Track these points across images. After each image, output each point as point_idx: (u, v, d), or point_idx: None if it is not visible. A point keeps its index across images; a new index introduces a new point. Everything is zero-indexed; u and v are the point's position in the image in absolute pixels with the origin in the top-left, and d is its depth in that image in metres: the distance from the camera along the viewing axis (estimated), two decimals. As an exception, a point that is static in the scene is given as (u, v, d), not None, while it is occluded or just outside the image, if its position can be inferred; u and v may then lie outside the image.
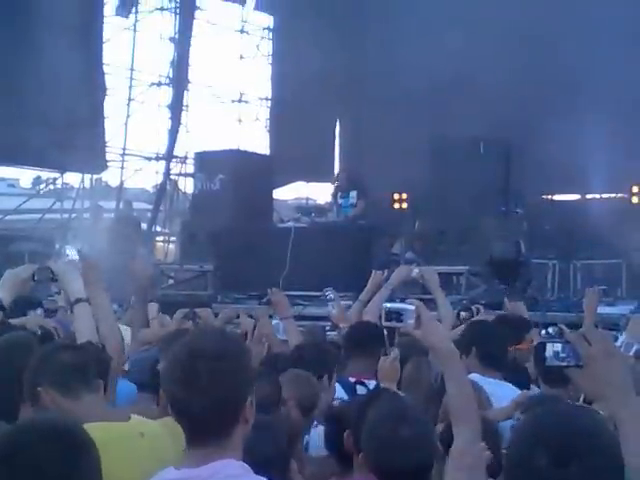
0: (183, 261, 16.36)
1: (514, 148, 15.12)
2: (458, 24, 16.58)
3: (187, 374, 2.63)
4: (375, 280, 6.86)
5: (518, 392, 4.93)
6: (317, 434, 4.47)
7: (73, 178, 21.17)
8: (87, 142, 18.00)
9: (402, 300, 9.10)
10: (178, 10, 21.15)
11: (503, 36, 16.81)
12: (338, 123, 22.34)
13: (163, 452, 3.55)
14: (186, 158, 21.13)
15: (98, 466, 2.57)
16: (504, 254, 12.74)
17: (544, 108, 16.91)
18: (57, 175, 20.81)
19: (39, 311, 6.71)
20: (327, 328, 8.07)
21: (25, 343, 4.05)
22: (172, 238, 21.43)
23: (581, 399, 4.02)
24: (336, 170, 19.88)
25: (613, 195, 17.97)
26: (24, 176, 30.77)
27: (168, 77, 21.14)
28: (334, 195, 15.04)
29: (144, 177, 24.02)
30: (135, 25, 20.68)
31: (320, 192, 23.12)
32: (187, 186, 21.13)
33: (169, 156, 21.11)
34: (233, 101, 22.64)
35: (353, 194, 14.64)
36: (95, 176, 21.34)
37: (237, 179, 16.01)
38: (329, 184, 15.83)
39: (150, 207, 21.98)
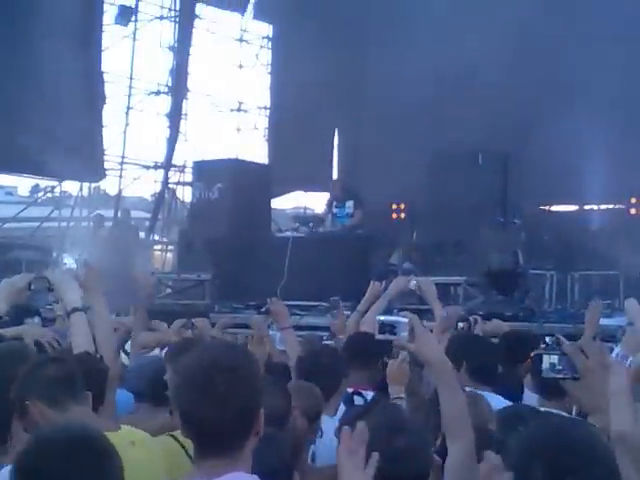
0: (181, 270, 16.33)
1: (512, 159, 15.11)
2: (457, 36, 16.60)
3: (203, 387, 2.63)
4: (373, 291, 6.85)
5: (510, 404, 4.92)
6: (323, 444, 4.47)
7: (71, 186, 21.23)
8: (86, 150, 18.03)
9: (400, 311, 9.11)
10: (177, 19, 21.20)
11: (501, 48, 16.82)
12: (336, 133, 22.35)
13: (154, 461, 3.55)
14: (184, 167, 21.16)
15: (122, 475, 2.58)
16: (502, 265, 12.73)
17: (542, 119, 16.92)
18: (55, 183, 20.83)
19: (36, 319, 6.70)
20: (324, 338, 8.07)
21: (20, 353, 4.04)
22: (170, 247, 21.43)
23: (574, 412, 4.02)
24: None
25: (611, 206, 17.98)
26: (22, 184, 30.82)
27: (167, 86, 21.17)
28: (329, 204, 15.02)
29: (142, 186, 24.11)
30: (134, 33, 20.73)
31: (318, 202, 23.14)
32: (185, 195, 21.17)
33: (167, 165, 21.13)
34: (232, 110, 22.69)
35: (349, 204, 14.62)
36: (93, 184, 21.36)
37: (235, 188, 16.00)
38: (327, 194, 15.81)
39: (148, 216, 21.99)
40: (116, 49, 20.43)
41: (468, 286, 13.09)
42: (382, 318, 3.51)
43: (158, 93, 21.20)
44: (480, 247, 13.29)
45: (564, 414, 4.19)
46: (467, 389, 4.85)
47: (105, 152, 20.02)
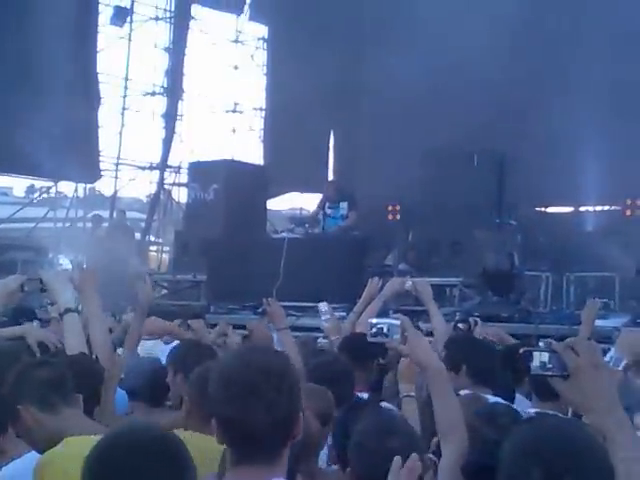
0: (176, 271, 16.30)
1: (508, 160, 15.11)
2: (452, 37, 16.59)
3: (252, 392, 2.59)
4: (371, 290, 6.85)
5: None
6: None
7: (67, 187, 21.20)
8: (81, 151, 18.02)
9: (395, 312, 9.11)
10: (173, 20, 21.20)
11: (497, 48, 16.83)
12: (332, 134, 22.35)
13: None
14: (180, 168, 21.15)
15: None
16: (497, 266, 12.73)
17: (538, 120, 16.93)
18: (51, 184, 20.82)
19: (35, 323, 6.69)
20: (319, 339, 8.06)
21: (11, 355, 4.04)
22: (165, 248, 21.42)
23: (569, 413, 4.01)
24: (330, 181, 19.89)
25: (606, 207, 17.99)
26: (18, 185, 30.83)
27: (162, 87, 21.18)
28: (321, 205, 15.01)
29: (138, 186, 24.08)
30: (130, 35, 20.71)
31: (314, 203, 23.13)
32: (181, 196, 21.14)
33: (163, 166, 21.12)
34: (227, 111, 22.69)
35: (343, 205, 14.61)
36: (89, 185, 21.35)
37: (231, 189, 15.99)
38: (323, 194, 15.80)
39: (144, 217, 21.98)
40: (111, 50, 20.45)
41: (464, 287, 13.10)
42: (374, 321, 3.49)
43: (154, 94, 21.21)
44: (476, 248, 13.28)
45: (560, 415, 4.20)
46: (466, 391, 4.86)
47: (101, 153, 20.02)
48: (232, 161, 18.16)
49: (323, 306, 7.28)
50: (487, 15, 16.14)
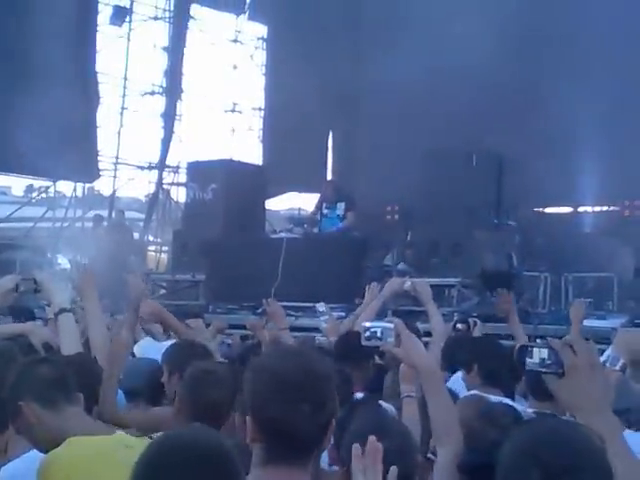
0: (175, 271, 16.31)
1: (506, 161, 15.12)
2: (451, 38, 16.58)
3: (300, 394, 2.60)
4: (372, 295, 6.86)
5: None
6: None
7: (65, 187, 21.19)
8: (80, 151, 18.00)
9: (394, 312, 9.11)
10: (172, 19, 21.19)
11: (496, 50, 16.81)
12: (331, 134, 22.35)
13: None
14: (179, 168, 21.15)
15: None
16: (496, 266, 12.74)
17: (537, 120, 16.92)
18: (49, 183, 20.80)
19: (39, 322, 6.70)
20: (318, 340, 8.07)
21: (6, 355, 4.04)
22: (164, 248, 21.40)
23: (567, 413, 4.02)
24: (329, 181, 19.88)
25: (605, 208, 17.99)
26: (16, 184, 30.78)
27: (161, 86, 21.18)
28: (318, 205, 15.02)
29: (137, 186, 24.05)
30: (129, 34, 20.70)
31: (312, 203, 23.13)
32: (179, 196, 21.14)
33: (162, 165, 21.12)
34: (226, 111, 22.68)
35: (341, 205, 14.61)
36: (87, 185, 21.34)
37: (230, 189, 15.99)
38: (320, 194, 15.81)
39: (142, 216, 21.97)
40: (110, 50, 20.44)
41: (462, 288, 13.11)
42: (368, 324, 3.50)
43: (152, 94, 21.20)
44: (474, 249, 13.29)
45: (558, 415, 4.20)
46: (475, 392, 4.87)
47: (99, 152, 20.02)
48: (231, 161, 18.15)
49: (321, 306, 7.29)
50: (486, 16, 16.14)
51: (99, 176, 20.51)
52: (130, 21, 20.71)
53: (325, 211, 14.72)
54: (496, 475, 2.36)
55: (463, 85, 17.33)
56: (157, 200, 21.36)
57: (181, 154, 21.04)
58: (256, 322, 8.28)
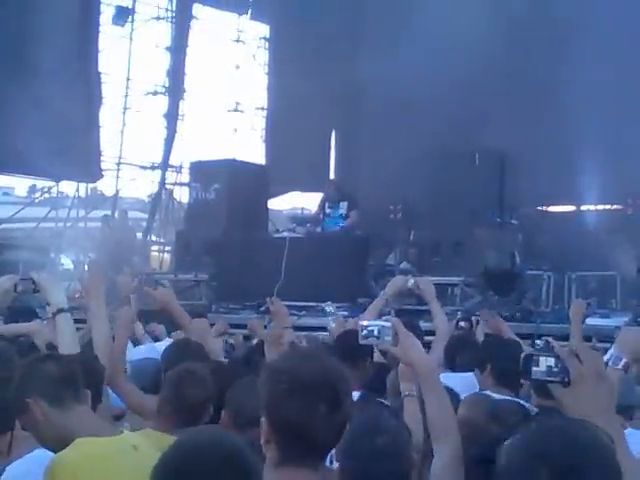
0: (178, 271, 16.32)
1: (509, 159, 15.11)
2: (454, 37, 16.57)
3: (319, 396, 2.61)
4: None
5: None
6: None
7: (68, 187, 21.18)
8: (82, 151, 18.03)
9: (397, 311, 9.11)
10: (174, 19, 21.19)
11: (499, 49, 16.81)
12: (333, 133, 22.35)
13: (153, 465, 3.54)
14: (181, 167, 21.15)
15: None
16: (499, 265, 12.75)
17: (540, 119, 16.92)
18: (52, 184, 20.80)
19: (45, 322, 6.71)
20: (321, 339, 8.07)
21: (2, 354, 4.04)
22: (167, 247, 21.40)
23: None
24: (332, 181, 19.87)
25: (608, 207, 17.98)
26: (19, 185, 30.81)
27: (164, 86, 21.17)
28: (321, 206, 15.02)
29: (139, 186, 24.03)
30: (131, 34, 20.71)
31: (315, 202, 23.11)
32: (182, 195, 21.14)
33: (164, 165, 21.13)
34: (229, 110, 22.67)
35: (343, 205, 14.62)
36: (90, 185, 21.34)
37: (232, 189, 15.99)
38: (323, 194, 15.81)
39: (145, 216, 21.97)
40: (113, 50, 20.43)
41: (465, 286, 13.12)
42: (365, 323, 3.49)
43: (155, 93, 21.20)
44: (477, 247, 13.29)
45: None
46: (488, 392, 4.87)
47: (102, 153, 20.01)
48: (233, 161, 18.14)
49: (329, 306, 7.29)
50: (488, 15, 16.15)
51: (102, 176, 20.50)
52: (132, 21, 20.71)
53: (328, 210, 14.73)
54: (502, 474, 2.35)
55: (465, 84, 17.33)
56: (160, 200, 21.36)
57: (184, 154, 21.06)
58: (255, 322, 8.29)
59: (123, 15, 20.19)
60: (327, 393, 2.62)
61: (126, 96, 20.85)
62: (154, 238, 21.99)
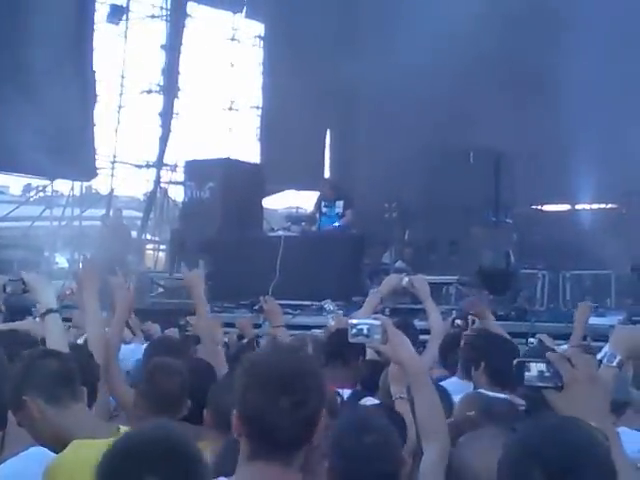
0: (173, 269, 16.31)
1: (504, 158, 15.13)
2: (451, 37, 16.58)
3: (280, 392, 2.60)
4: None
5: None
6: None
7: (63, 185, 21.15)
8: (77, 149, 18.00)
9: (392, 310, 9.09)
10: (169, 18, 21.17)
11: (494, 47, 16.83)
12: (328, 132, 22.35)
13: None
14: (176, 166, 21.11)
15: None
16: (494, 264, 12.74)
17: (534, 118, 16.94)
18: (47, 182, 20.77)
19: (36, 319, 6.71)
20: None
21: None
22: (162, 246, 21.39)
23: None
24: (326, 180, 19.87)
25: (603, 206, 18.00)
26: (14, 183, 30.71)
27: (159, 85, 21.15)
28: (317, 204, 15.03)
29: (134, 185, 23.99)
30: (126, 32, 20.67)
31: (310, 201, 23.11)
32: (177, 194, 21.11)
33: (159, 164, 21.10)
34: (224, 109, 22.64)
35: (339, 204, 14.63)
36: (85, 183, 21.30)
37: (227, 187, 15.99)
38: (319, 193, 15.81)
39: (140, 215, 21.95)
40: (108, 48, 20.40)
41: (460, 285, 13.12)
42: (354, 321, 3.49)
43: (150, 92, 21.17)
44: (472, 246, 13.30)
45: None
46: (482, 390, 4.86)
47: (97, 151, 19.97)
48: (228, 159, 18.14)
49: (328, 305, 7.28)
50: (483, 14, 16.16)
51: (97, 175, 20.48)
52: (127, 19, 20.68)
53: (324, 210, 14.74)
54: (498, 474, 2.35)
55: (461, 83, 17.35)
56: (155, 199, 21.33)
57: (179, 152, 21.02)
58: (244, 321, 8.29)
59: (118, 13, 20.16)
60: (290, 387, 2.61)
61: (121, 94, 20.82)
62: (149, 237, 21.97)
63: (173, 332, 7.81)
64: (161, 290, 15.91)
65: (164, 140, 20.94)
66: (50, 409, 3.42)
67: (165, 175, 21.44)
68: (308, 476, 3.69)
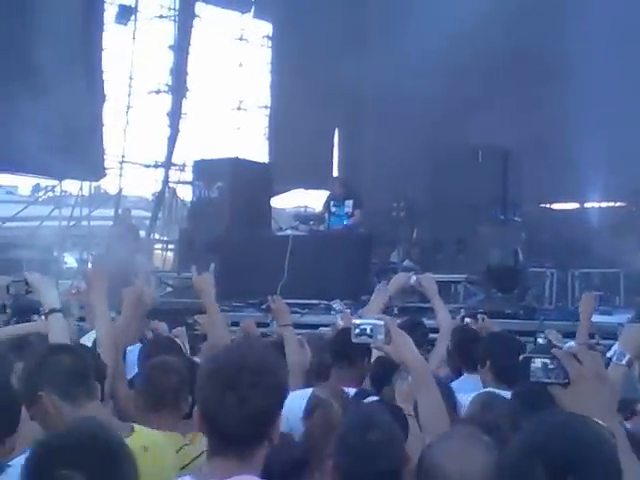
0: (181, 269, 16.32)
1: (512, 156, 15.11)
2: (458, 36, 16.56)
3: (226, 386, 2.59)
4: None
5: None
6: None
7: (72, 185, 21.21)
8: (86, 149, 18.02)
9: (400, 309, 9.09)
10: (177, 18, 21.19)
11: (501, 46, 16.82)
12: (337, 131, 22.35)
13: (164, 466, 3.53)
14: (185, 166, 21.14)
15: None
16: (502, 262, 12.73)
17: (543, 116, 16.92)
18: (56, 182, 20.81)
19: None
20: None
21: None
22: (170, 246, 21.42)
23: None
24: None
25: (611, 204, 17.97)
26: (23, 183, 30.83)
27: (167, 85, 21.17)
28: (327, 204, 15.03)
29: (143, 185, 24.03)
30: (134, 33, 20.70)
31: (319, 200, 23.11)
32: (185, 194, 21.13)
33: (168, 164, 21.12)
34: (232, 109, 22.66)
35: (348, 203, 14.63)
36: (94, 184, 21.34)
37: (235, 187, 16.00)
38: (328, 192, 15.81)
39: (149, 215, 21.98)
40: (116, 48, 20.43)
41: (468, 284, 13.12)
42: (357, 321, 3.48)
43: (158, 92, 21.20)
44: (480, 245, 13.29)
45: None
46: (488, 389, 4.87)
47: (105, 151, 20.01)
48: (237, 159, 18.14)
49: (337, 304, 7.28)
50: (490, 12, 16.14)
51: (105, 175, 20.51)
52: (136, 20, 20.70)
53: (333, 209, 14.75)
54: (502, 469, 2.35)
55: (468, 81, 17.35)
56: (163, 198, 21.36)
57: (187, 152, 21.04)
58: (247, 323, 8.30)
59: (126, 14, 20.18)
60: (237, 382, 2.59)
61: (129, 95, 20.85)
62: (157, 236, 22.00)
63: (180, 331, 7.80)
64: (169, 289, 15.92)
65: (172, 140, 20.96)
66: (65, 406, 3.41)
67: (173, 175, 21.48)
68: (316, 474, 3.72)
